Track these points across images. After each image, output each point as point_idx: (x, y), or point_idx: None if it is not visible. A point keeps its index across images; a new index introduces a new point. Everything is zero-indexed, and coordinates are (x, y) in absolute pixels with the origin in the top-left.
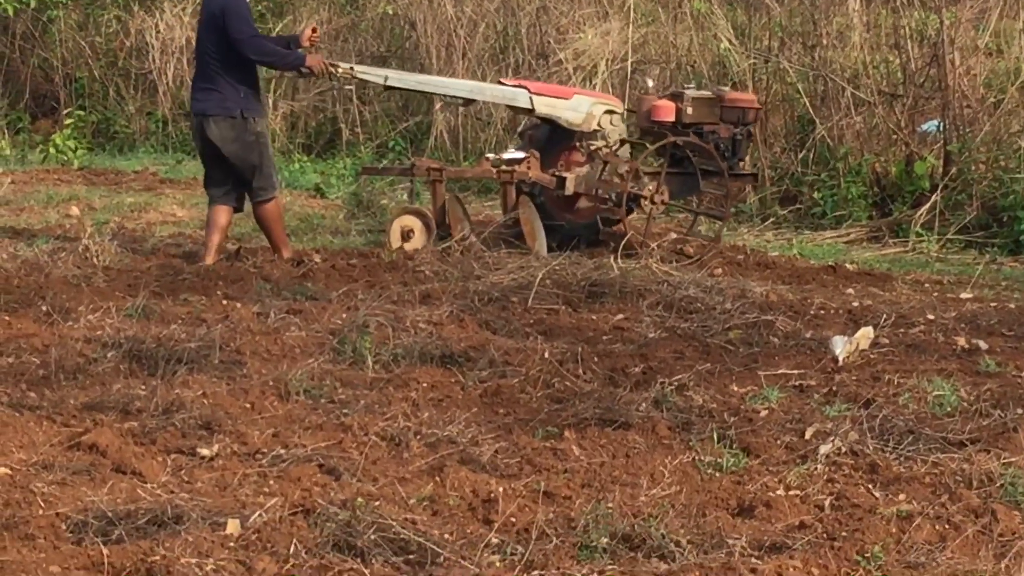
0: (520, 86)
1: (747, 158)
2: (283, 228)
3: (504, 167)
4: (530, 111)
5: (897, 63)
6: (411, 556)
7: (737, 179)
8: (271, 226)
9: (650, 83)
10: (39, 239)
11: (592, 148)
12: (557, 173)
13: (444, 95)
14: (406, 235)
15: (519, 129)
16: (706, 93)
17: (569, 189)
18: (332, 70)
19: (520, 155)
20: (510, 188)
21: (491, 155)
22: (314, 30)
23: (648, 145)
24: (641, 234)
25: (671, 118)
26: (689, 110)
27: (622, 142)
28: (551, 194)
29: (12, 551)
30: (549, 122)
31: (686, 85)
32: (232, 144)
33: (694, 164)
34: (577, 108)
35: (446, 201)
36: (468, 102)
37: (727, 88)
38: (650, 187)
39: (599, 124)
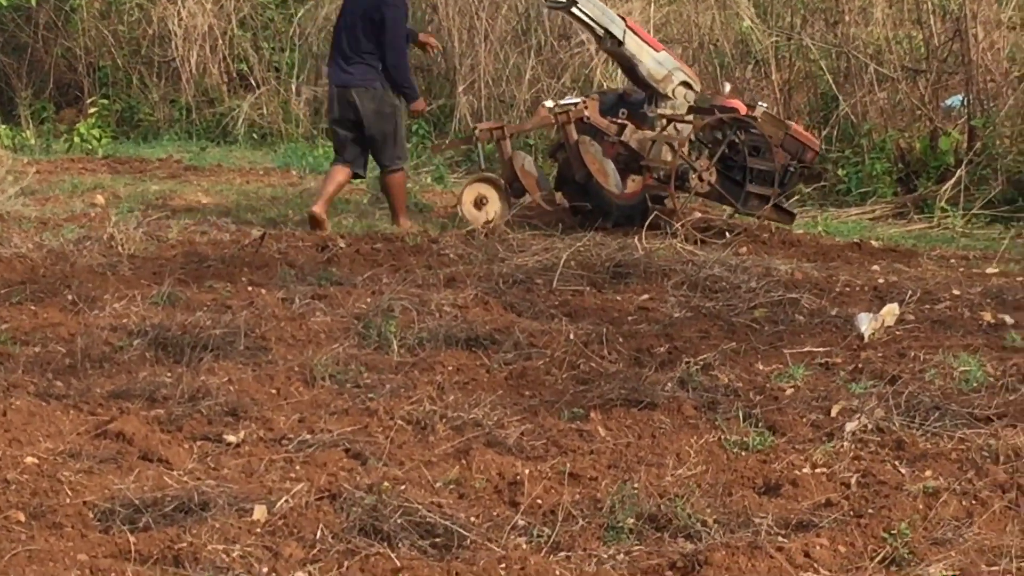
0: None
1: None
2: (405, 199)
3: (560, 110)
4: (619, 43)
5: (920, 38)
6: (437, 539)
7: (777, 211)
8: (395, 193)
9: (727, 87)
10: (64, 228)
11: (657, 112)
12: (617, 121)
13: None
14: (479, 203)
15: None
16: (775, 114)
17: (626, 137)
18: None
19: (576, 100)
20: (570, 128)
21: (548, 103)
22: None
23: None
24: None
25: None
26: (758, 119)
27: (690, 109)
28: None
29: (40, 540)
30: (630, 73)
31: (761, 102)
32: (372, 114)
33: (743, 170)
34: (662, 63)
35: (513, 159)
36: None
37: (793, 121)
38: (701, 163)
39: (673, 92)
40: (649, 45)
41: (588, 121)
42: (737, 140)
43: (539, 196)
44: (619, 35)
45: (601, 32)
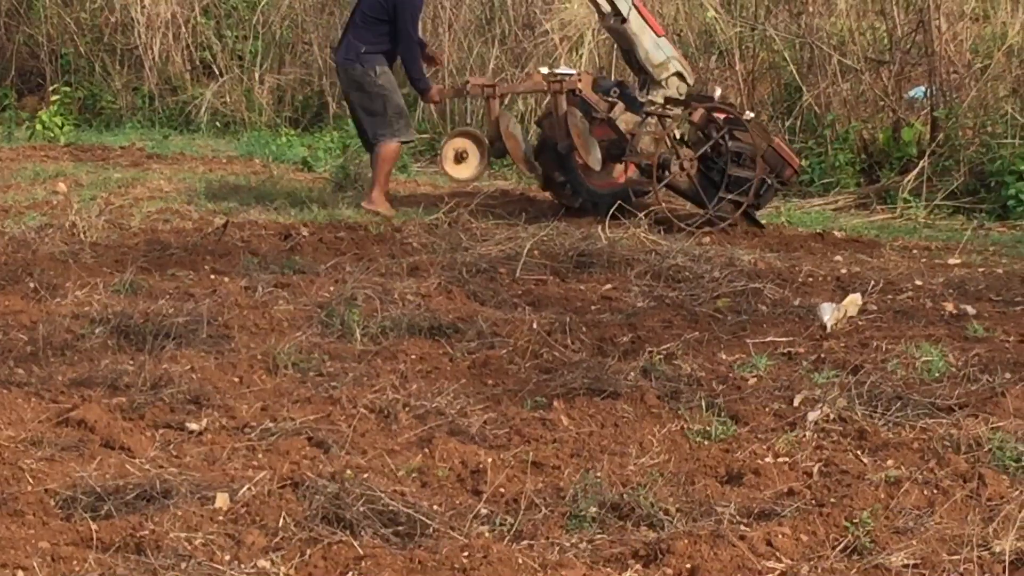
0: None
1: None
2: (386, 173)
3: (554, 79)
4: (623, 20)
5: (883, 29)
6: (400, 527)
7: (748, 221)
8: (377, 164)
9: (718, 91)
10: (26, 216)
11: (647, 99)
12: (608, 99)
13: None
14: (459, 157)
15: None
16: (761, 125)
17: (615, 115)
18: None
19: (571, 71)
20: (560, 98)
21: (543, 68)
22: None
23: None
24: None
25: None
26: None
27: (688, 97)
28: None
29: (1, 527)
30: (627, 54)
31: (748, 111)
32: (355, 91)
33: (722, 174)
34: (662, 48)
35: (499, 118)
36: None
37: (777, 137)
38: (683, 153)
39: (667, 81)
40: (651, 28)
41: (580, 94)
42: (722, 143)
43: (520, 157)
44: (624, 12)
45: (607, 7)
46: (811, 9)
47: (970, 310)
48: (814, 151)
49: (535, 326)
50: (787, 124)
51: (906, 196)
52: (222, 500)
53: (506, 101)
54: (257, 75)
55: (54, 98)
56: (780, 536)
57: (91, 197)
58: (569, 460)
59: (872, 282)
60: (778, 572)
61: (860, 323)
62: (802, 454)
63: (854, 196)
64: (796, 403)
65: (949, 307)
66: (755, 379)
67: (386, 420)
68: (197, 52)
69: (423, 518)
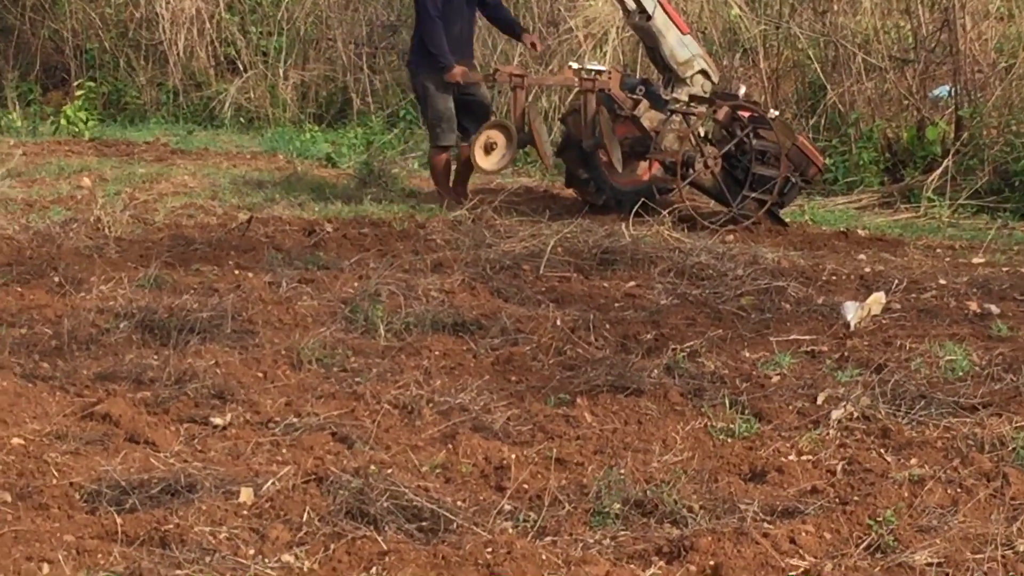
0: None
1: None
2: (440, 182)
3: (586, 75)
4: (648, 17)
5: (908, 28)
6: (424, 523)
7: (772, 219)
8: (431, 174)
9: (743, 89)
10: (51, 210)
11: (672, 97)
12: (633, 97)
13: None
14: (489, 148)
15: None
16: (785, 124)
17: (640, 112)
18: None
19: (602, 67)
20: (590, 96)
21: (574, 64)
22: (534, 45)
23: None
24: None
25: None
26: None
27: (702, 99)
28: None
29: (27, 521)
30: (652, 52)
31: (772, 110)
32: (414, 91)
33: (747, 172)
34: (687, 46)
35: (527, 110)
36: None
37: (802, 136)
38: (708, 151)
39: (691, 79)
40: (676, 26)
41: (607, 92)
42: (746, 141)
43: (545, 150)
44: (649, 8)
45: (632, 5)
46: (836, 7)
47: (994, 309)
48: (838, 149)
49: (559, 323)
50: (811, 122)
51: (930, 195)
52: (246, 495)
53: (530, 96)
54: (281, 71)
55: (79, 93)
56: (803, 534)
57: (115, 192)
58: (592, 457)
59: (896, 281)
60: (801, 570)
61: (884, 322)
62: (825, 452)
63: (878, 195)
64: (820, 401)
65: (973, 306)
66: (779, 377)
67: (410, 416)
68: (221, 48)
69: (447, 514)
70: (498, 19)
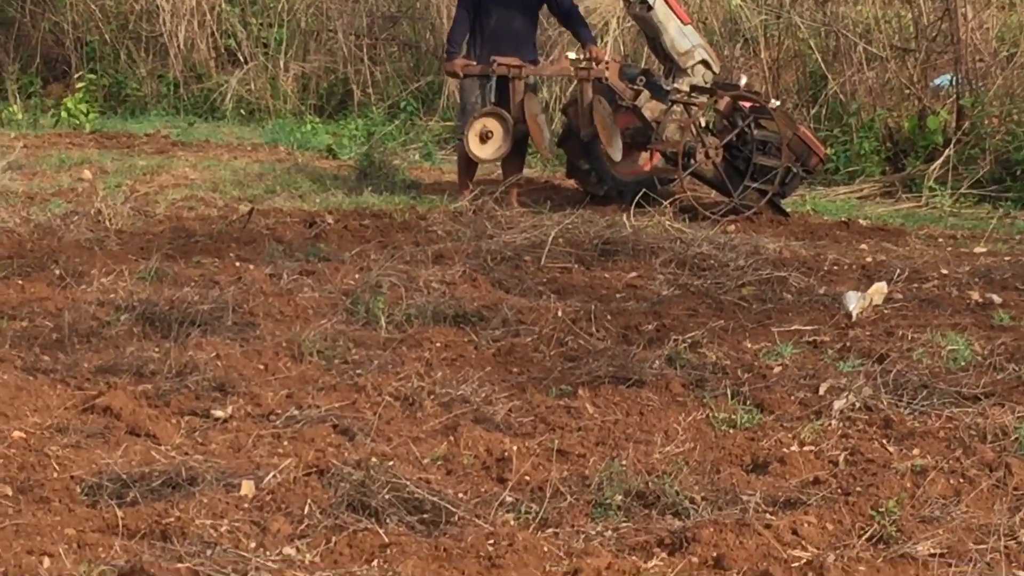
0: None
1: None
2: (460, 173)
3: (583, 65)
4: (648, 8)
5: (909, 17)
6: (425, 515)
7: (774, 210)
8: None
9: (744, 79)
10: (52, 203)
11: (673, 87)
12: (633, 87)
13: None
14: (484, 137)
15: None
16: (786, 114)
17: (640, 103)
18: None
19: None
20: (587, 86)
21: (571, 54)
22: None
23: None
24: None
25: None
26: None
27: (703, 89)
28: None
29: (27, 514)
30: (652, 42)
31: (773, 100)
32: None
33: (748, 162)
34: (688, 36)
35: (524, 100)
36: None
37: (803, 126)
38: (709, 141)
39: (692, 69)
40: (677, 16)
41: (606, 81)
42: (748, 131)
43: (542, 141)
44: None
45: None
46: None
47: (996, 299)
48: (839, 139)
49: (560, 314)
50: (812, 112)
51: (931, 184)
52: (247, 487)
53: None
54: (282, 63)
55: (79, 85)
56: (806, 525)
57: (116, 184)
58: (594, 448)
59: (897, 270)
60: (804, 561)
61: (886, 312)
62: (828, 443)
63: (879, 184)
64: (821, 391)
65: (975, 296)
66: (780, 367)
67: (411, 408)
68: (222, 40)
69: (448, 506)
70: (567, 25)
